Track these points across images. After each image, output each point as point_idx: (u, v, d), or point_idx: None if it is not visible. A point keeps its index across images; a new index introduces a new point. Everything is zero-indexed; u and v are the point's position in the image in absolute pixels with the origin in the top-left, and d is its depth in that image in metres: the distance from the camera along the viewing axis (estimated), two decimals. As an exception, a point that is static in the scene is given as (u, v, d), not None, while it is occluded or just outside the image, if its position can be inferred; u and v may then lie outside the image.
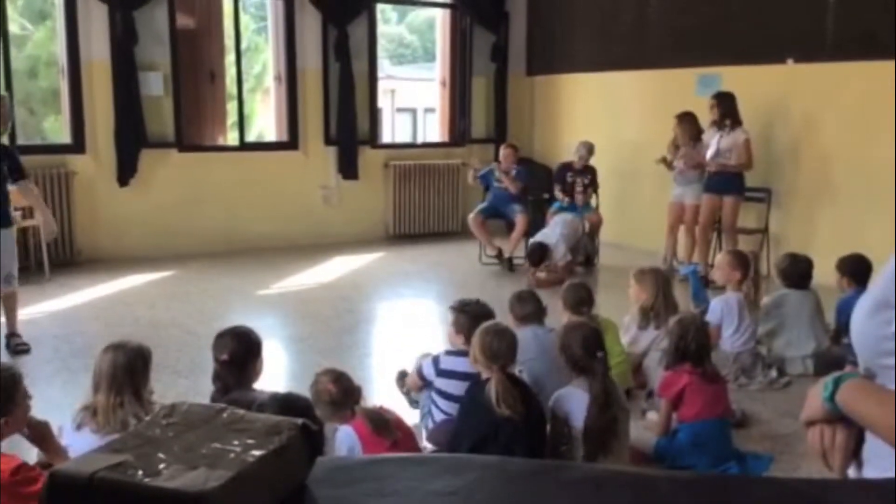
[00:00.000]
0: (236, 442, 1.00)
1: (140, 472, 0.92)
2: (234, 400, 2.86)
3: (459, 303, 3.88)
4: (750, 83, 7.09)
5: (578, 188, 7.78)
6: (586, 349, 3.31)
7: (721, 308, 4.73)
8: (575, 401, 3.26)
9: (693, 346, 3.63)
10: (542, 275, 7.07)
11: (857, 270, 4.93)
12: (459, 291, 6.78)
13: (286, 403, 2.70)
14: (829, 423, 1.24)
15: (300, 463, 1.04)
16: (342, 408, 3.10)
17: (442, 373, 3.64)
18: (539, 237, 7.25)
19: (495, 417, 3.09)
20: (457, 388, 3.49)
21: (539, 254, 7.09)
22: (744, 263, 4.84)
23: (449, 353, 3.72)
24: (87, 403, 3.02)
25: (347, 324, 5.93)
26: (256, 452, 0.98)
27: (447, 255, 8.46)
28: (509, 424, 3.09)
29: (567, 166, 7.93)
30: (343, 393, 3.12)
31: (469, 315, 3.69)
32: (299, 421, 1.05)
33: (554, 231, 7.26)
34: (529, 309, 4.04)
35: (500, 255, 7.72)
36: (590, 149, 7.82)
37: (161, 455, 0.96)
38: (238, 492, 0.92)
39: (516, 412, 3.10)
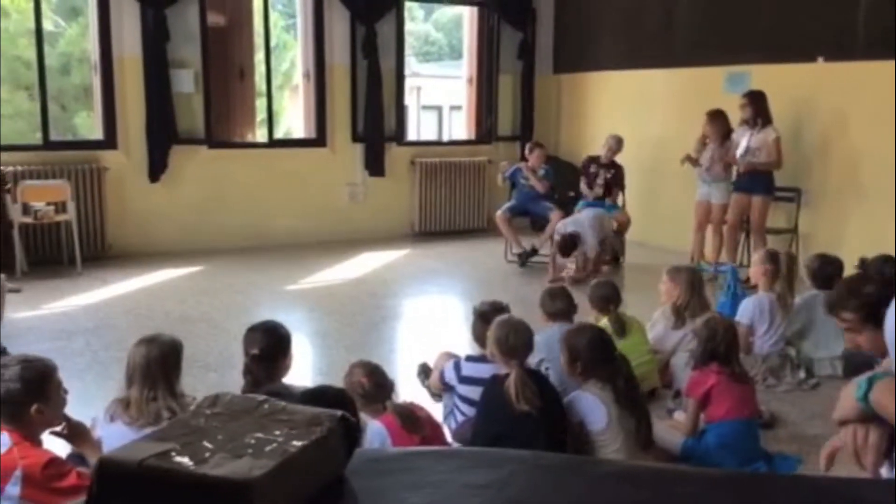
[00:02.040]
0: (278, 432, 1.03)
1: (186, 460, 0.95)
2: (272, 392, 2.91)
3: (479, 306, 3.90)
4: (779, 81, 7.03)
5: (599, 180, 7.76)
6: (593, 352, 3.30)
7: (753, 308, 4.70)
8: (588, 405, 3.26)
9: (722, 347, 3.61)
10: (571, 267, 7.04)
11: (881, 270, 4.88)
12: (484, 288, 6.81)
13: (325, 397, 2.74)
14: (861, 423, 1.24)
15: (339, 454, 1.07)
16: (374, 401, 3.13)
17: (464, 379, 3.65)
18: (571, 227, 7.18)
19: (514, 412, 3.10)
20: (478, 393, 3.47)
21: (570, 243, 7.04)
22: (774, 262, 4.82)
23: (470, 358, 3.73)
24: (120, 396, 3.08)
25: (373, 320, 5.97)
26: (298, 443, 1.00)
27: (472, 252, 8.47)
28: (528, 419, 3.10)
29: (593, 159, 7.92)
30: (376, 386, 3.15)
31: (485, 320, 3.70)
32: (339, 413, 1.08)
33: (584, 221, 7.18)
34: (560, 306, 4.05)
35: (521, 254, 7.69)
36: (619, 141, 7.79)
37: (206, 444, 0.99)
38: (281, 480, 0.95)
39: (535, 407, 3.11)
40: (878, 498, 1.10)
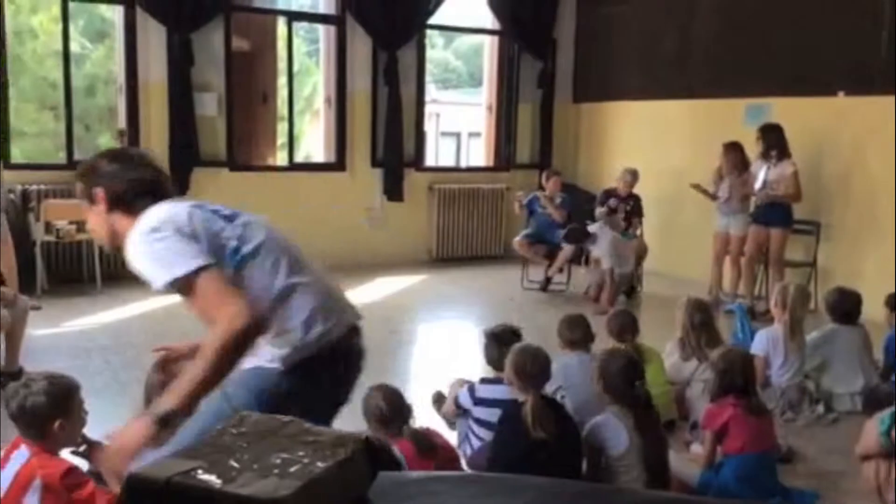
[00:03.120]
0: (303, 452, 1.04)
1: (213, 478, 0.96)
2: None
3: (491, 329, 3.92)
4: (800, 115, 7.04)
5: (621, 214, 7.76)
6: (625, 377, 3.30)
7: (767, 340, 4.68)
8: (611, 429, 3.26)
9: (739, 380, 3.59)
10: (602, 299, 7.06)
11: None
12: (501, 315, 6.80)
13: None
14: (884, 458, 1.24)
15: (363, 476, 1.08)
16: (391, 425, 3.14)
17: (479, 401, 3.65)
18: (591, 227, 7.21)
19: (531, 440, 3.10)
20: (494, 415, 3.48)
21: (580, 233, 7.04)
22: (783, 295, 4.81)
23: (484, 380, 3.74)
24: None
25: (390, 345, 5.97)
26: (322, 463, 1.02)
27: (489, 278, 8.48)
28: (545, 447, 3.09)
29: (610, 192, 7.91)
30: (393, 410, 3.16)
31: (497, 343, 3.71)
32: (363, 435, 1.09)
33: (605, 239, 7.23)
34: (578, 335, 4.05)
35: (544, 282, 7.72)
36: (634, 174, 7.79)
37: (233, 463, 1.00)
38: (306, 500, 0.96)
39: (551, 434, 3.10)
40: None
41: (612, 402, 3.33)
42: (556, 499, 1.19)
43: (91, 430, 2.93)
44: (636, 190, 7.86)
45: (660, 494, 1.62)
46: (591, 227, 7.31)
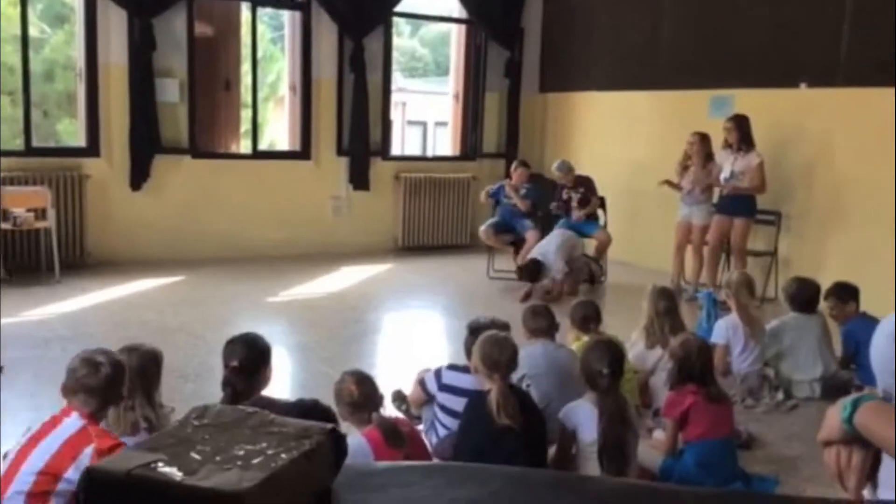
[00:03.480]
0: (266, 444, 1.02)
1: (175, 471, 0.94)
2: (257, 404, 2.90)
3: (473, 323, 3.90)
4: (763, 106, 7.12)
5: (573, 203, 7.79)
6: (610, 366, 3.33)
7: (726, 328, 4.75)
8: (584, 414, 3.29)
9: (697, 367, 3.64)
10: (535, 287, 7.04)
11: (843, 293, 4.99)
12: (466, 304, 6.81)
13: (312, 413, 2.73)
14: (845, 444, 1.25)
15: (327, 467, 1.06)
16: (361, 411, 3.13)
17: (444, 387, 3.65)
18: (535, 252, 7.22)
19: (496, 427, 3.11)
20: (458, 403, 3.49)
21: (534, 271, 7.06)
22: (728, 286, 4.90)
23: (451, 367, 3.74)
24: None
25: (354, 333, 5.95)
26: (286, 455, 1.00)
27: (455, 268, 8.48)
28: (510, 435, 3.10)
29: (561, 186, 7.96)
30: (364, 397, 3.15)
31: (474, 335, 3.71)
32: (328, 426, 1.07)
33: (550, 244, 7.21)
34: (542, 323, 4.06)
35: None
36: (566, 167, 7.80)
37: (194, 455, 0.98)
38: (269, 492, 0.94)
39: (516, 422, 3.12)
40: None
41: (589, 389, 3.35)
42: (524, 488, 1.19)
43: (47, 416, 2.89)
44: (585, 171, 7.87)
45: (625, 482, 1.63)
46: (541, 251, 7.23)
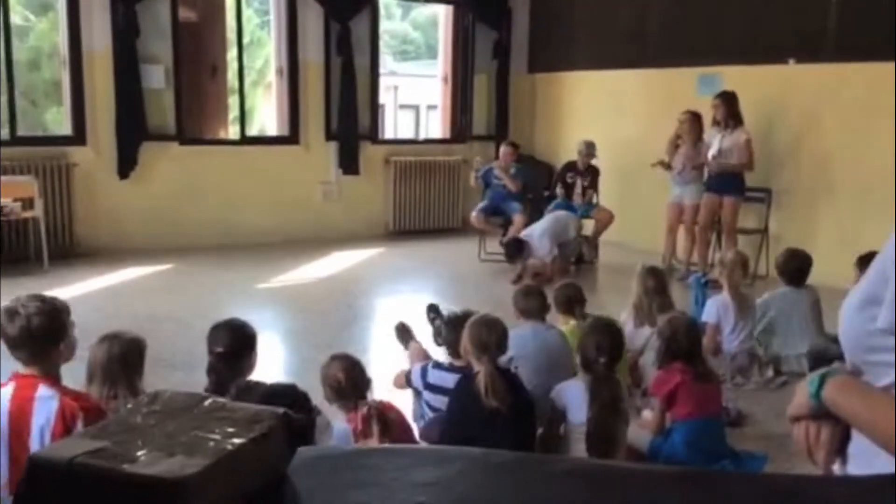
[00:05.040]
0: (217, 430, 1.00)
1: (119, 458, 0.92)
2: (240, 388, 2.89)
3: (450, 314, 3.90)
4: (751, 83, 7.08)
5: (578, 189, 7.76)
6: (609, 352, 3.31)
7: (717, 307, 4.73)
8: (575, 395, 3.28)
9: (684, 345, 3.62)
10: (526, 269, 7.01)
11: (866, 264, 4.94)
12: (458, 288, 6.79)
13: (284, 396, 2.71)
14: (814, 420, 1.24)
15: (280, 452, 1.04)
16: (346, 397, 3.12)
17: (429, 386, 3.62)
18: (524, 233, 7.19)
19: (483, 409, 3.10)
20: (443, 403, 3.46)
21: (515, 249, 7.03)
22: (722, 263, 4.88)
23: (437, 365, 3.70)
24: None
25: (345, 319, 5.93)
26: (236, 440, 0.97)
27: (446, 251, 8.45)
28: (498, 416, 3.09)
29: (570, 166, 7.91)
30: (351, 383, 3.13)
31: (451, 327, 3.68)
32: (280, 410, 1.05)
33: (538, 227, 7.18)
34: (533, 304, 4.04)
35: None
36: (591, 146, 7.79)
37: (141, 442, 0.96)
38: (215, 479, 0.92)
39: (504, 404, 3.10)
40: (829, 494, 1.09)
41: (584, 371, 3.35)
42: (486, 468, 1.17)
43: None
44: (595, 162, 7.86)
45: (591, 462, 1.61)
46: (528, 231, 7.21)
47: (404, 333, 4.37)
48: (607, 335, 3.37)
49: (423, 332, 5.31)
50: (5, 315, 2.64)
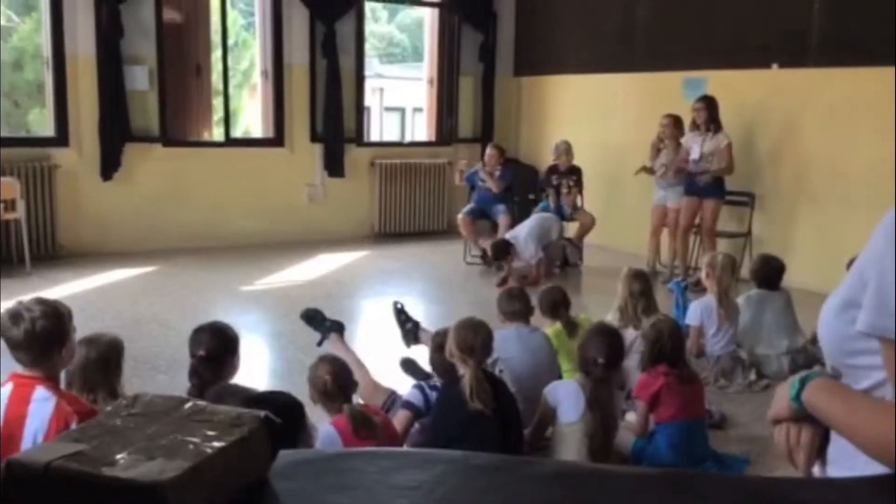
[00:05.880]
0: (197, 433, 0.99)
1: (96, 462, 0.91)
2: (222, 391, 2.87)
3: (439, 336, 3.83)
4: (735, 87, 7.13)
5: (564, 190, 7.78)
6: (607, 357, 3.33)
7: (700, 310, 4.75)
8: (568, 394, 3.29)
9: (668, 348, 3.64)
10: (512, 272, 7.01)
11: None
12: (443, 290, 6.79)
13: (275, 402, 2.69)
14: (795, 422, 1.24)
15: (261, 456, 1.04)
16: (334, 400, 3.11)
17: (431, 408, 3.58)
18: (509, 234, 7.22)
19: (469, 412, 3.10)
20: None
21: (502, 250, 7.04)
22: (711, 266, 4.89)
23: (433, 388, 3.55)
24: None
25: (330, 321, 5.90)
26: (216, 444, 0.97)
27: (432, 254, 8.45)
28: (482, 419, 3.09)
29: (553, 169, 7.94)
30: (338, 387, 3.12)
31: (439, 350, 3.62)
32: (262, 414, 1.04)
33: (523, 228, 7.19)
34: (517, 307, 4.05)
35: (484, 254, 7.72)
36: (567, 144, 7.82)
37: (120, 445, 0.95)
38: (195, 483, 0.91)
39: (489, 407, 3.11)
40: (809, 497, 1.10)
41: (581, 373, 3.37)
42: (468, 471, 1.17)
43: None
44: (577, 162, 7.89)
45: (573, 464, 1.61)
46: (513, 233, 7.21)
47: (413, 368, 4.34)
48: (608, 341, 3.39)
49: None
50: (9, 318, 2.62)
